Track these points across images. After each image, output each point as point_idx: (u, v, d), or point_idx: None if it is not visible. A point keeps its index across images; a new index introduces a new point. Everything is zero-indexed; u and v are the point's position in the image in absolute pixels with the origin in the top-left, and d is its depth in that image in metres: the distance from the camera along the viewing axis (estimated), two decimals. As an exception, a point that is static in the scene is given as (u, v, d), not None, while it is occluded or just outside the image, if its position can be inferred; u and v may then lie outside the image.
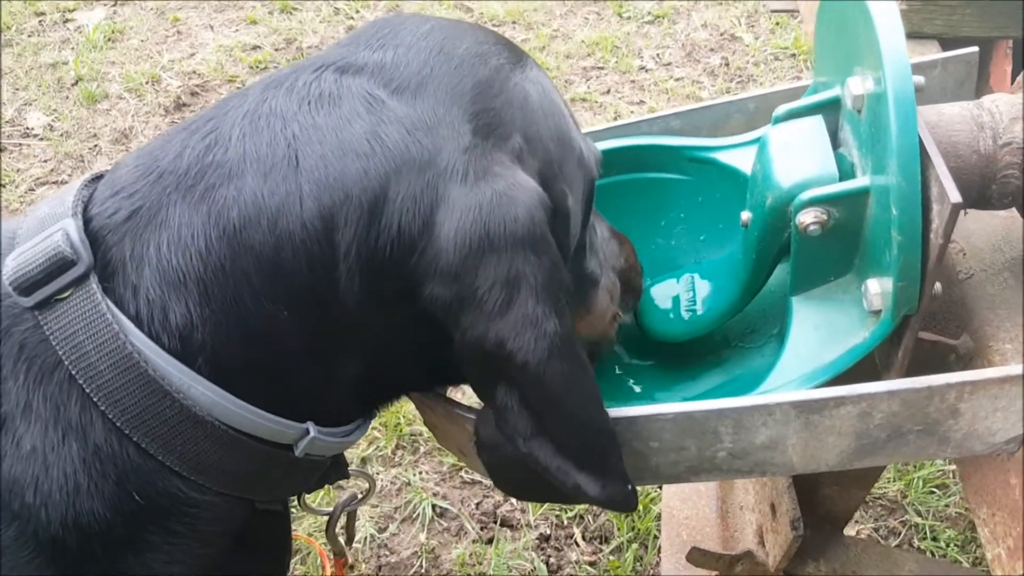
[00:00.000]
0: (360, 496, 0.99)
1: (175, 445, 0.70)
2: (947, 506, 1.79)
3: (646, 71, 3.10)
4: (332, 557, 1.03)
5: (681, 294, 1.00)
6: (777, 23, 3.25)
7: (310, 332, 0.71)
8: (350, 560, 1.04)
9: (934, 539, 1.73)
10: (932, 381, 0.72)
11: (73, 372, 0.68)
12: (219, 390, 0.70)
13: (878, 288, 0.77)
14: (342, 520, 1.00)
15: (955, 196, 0.65)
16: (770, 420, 0.75)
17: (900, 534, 1.76)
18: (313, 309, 0.70)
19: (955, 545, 1.72)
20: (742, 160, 0.99)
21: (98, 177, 0.77)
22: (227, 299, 0.69)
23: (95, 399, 0.68)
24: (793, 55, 3.10)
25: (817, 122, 0.83)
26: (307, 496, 0.91)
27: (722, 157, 1.01)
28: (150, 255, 0.70)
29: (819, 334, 0.83)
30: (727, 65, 3.09)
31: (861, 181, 0.76)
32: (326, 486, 0.94)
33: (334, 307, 0.70)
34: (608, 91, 3.00)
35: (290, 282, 0.69)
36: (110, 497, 0.70)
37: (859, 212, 0.77)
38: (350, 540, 1.03)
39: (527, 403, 0.70)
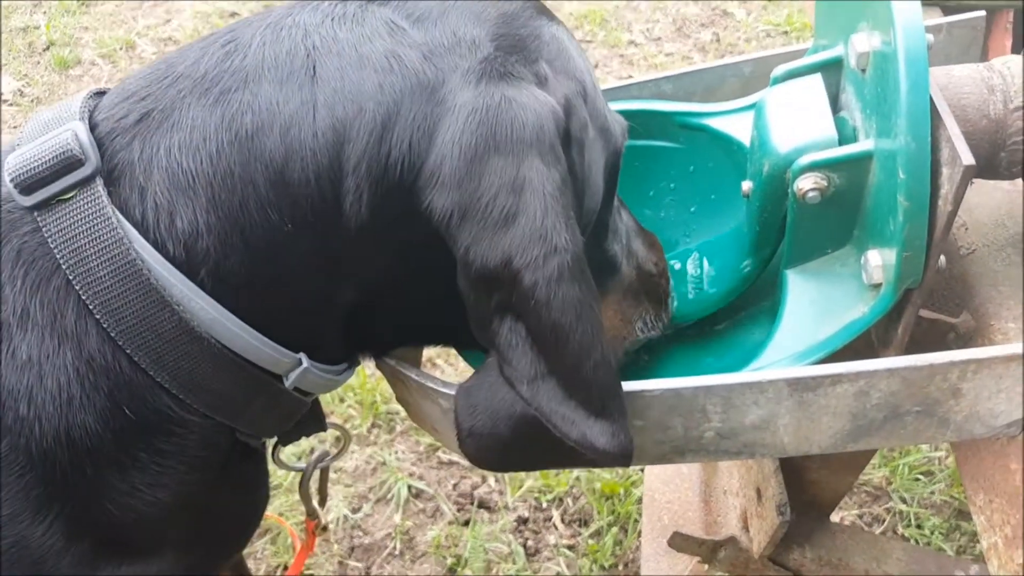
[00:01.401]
0: (333, 453, 0.95)
1: (167, 361, 0.68)
2: (932, 493, 1.76)
3: (635, 45, 3.04)
4: (303, 534, 0.98)
5: (687, 272, 0.95)
6: None
7: (313, 252, 0.69)
8: (323, 522, 0.99)
9: (918, 527, 1.71)
10: (934, 359, 0.68)
11: (71, 277, 0.66)
12: (219, 306, 0.68)
13: (879, 260, 0.73)
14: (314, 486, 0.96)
15: (968, 158, 0.60)
16: (762, 398, 0.70)
17: (884, 521, 1.73)
18: (317, 226, 0.68)
19: (940, 533, 1.70)
20: (736, 127, 0.94)
21: (102, 92, 0.74)
22: (234, 207, 0.67)
23: (91, 306, 0.66)
24: (785, 32, 3.05)
25: (815, 82, 0.78)
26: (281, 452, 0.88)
27: (715, 124, 0.96)
28: (159, 157, 0.68)
29: (815, 309, 0.79)
30: (718, 41, 3.03)
31: (864, 145, 0.72)
32: (298, 447, 0.90)
33: (338, 227, 0.68)
34: (596, 65, 2.94)
35: (297, 193, 0.67)
36: (101, 411, 0.68)
37: (861, 178, 0.73)
38: (323, 500, 1.00)
39: (534, 337, 0.65)
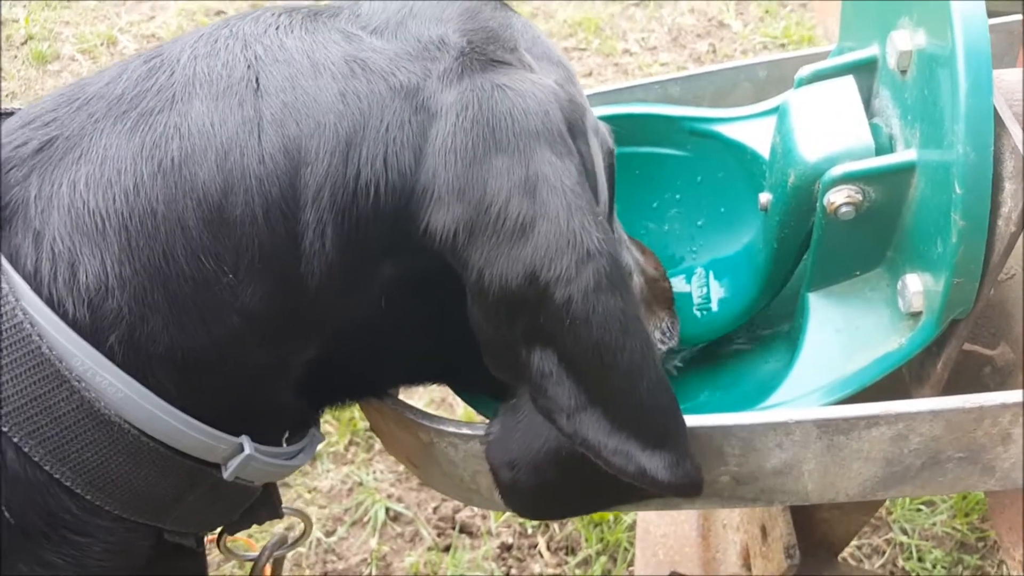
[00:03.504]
0: (292, 540, 0.81)
1: (69, 452, 0.55)
2: (934, 525, 1.69)
3: (630, 54, 2.98)
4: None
5: (693, 291, 0.87)
6: (767, 11, 3.14)
7: (262, 307, 0.57)
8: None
9: (919, 560, 1.63)
10: (984, 400, 0.60)
11: None
12: (133, 383, 0.55)
13: (919, 286, 0.64)
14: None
15: (1039, 171, 0.52)
16: (787, 441, 0.62)
17: (884, 553, 1.66)
18: (268, 273, 0.56)
19: (942, 567, 1.62)
20: (750, 134, 0.86)
21: (8, 114, 0.62)
22: (156, 255, 0.55)
23: None
24: (783, 45, 2.99)
25: (848, 83, 0.70)
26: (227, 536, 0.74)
27: (726, 130, 0.88)
28: (61, 194, 0.55)
29: (840, 339, 0.71)
30: (714, 52, 2.97)
31: (906, 155, 0.64)
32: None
33: (296, 272, 0.57)
34: (590, 73, 2.87)
35: (240, 234, 0.55)
36: None
37: (900, 193, 0.65)
38: None
39: (570, 363, 0.55)
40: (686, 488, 0.58)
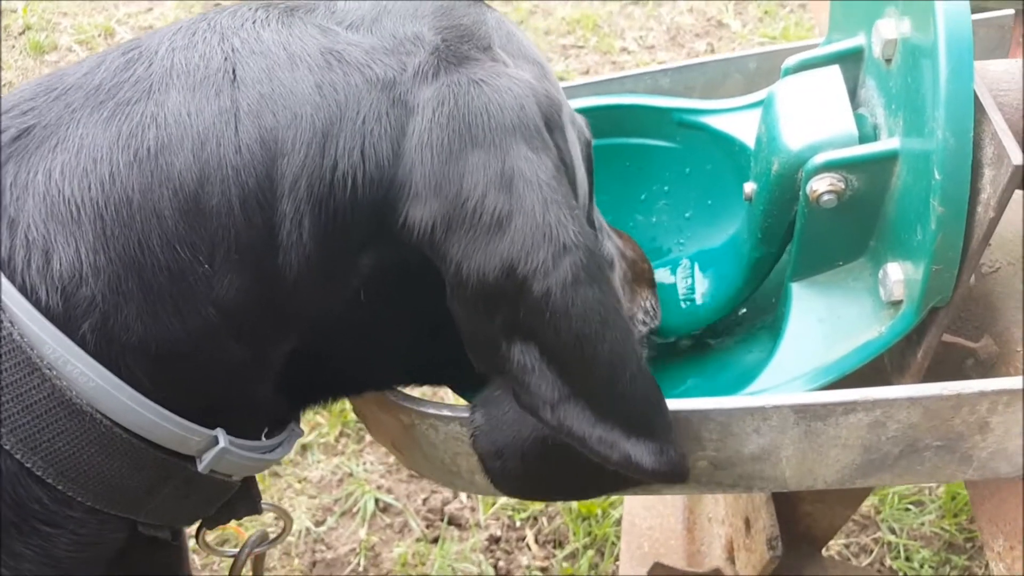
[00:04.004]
0: (273, 536, 0.81)
1: (40, 441, 0.55)
2: (922, 524, 1.69)
3: (628, 53, 2.97)
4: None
5: (678, 283, 0.87)
6: (766, 11, 3.14)
7: (238, 297, 0.57)
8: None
9: (907, 559, 1.64)
10: (962, 388, 0.60)
11: None
12: (105, 372, 0.55)
13: (900, 274, 0.65)
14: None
15: (1017, 157, 0.53)
16: (764, 426, 0.62)
17: (872, 552, 1.66)
18: (244, 264, 0.56)
19: (929, 566, 1.63)
20: (739, 126, 0.86)
21: None
22: (131, 244, 0.55)
23: None
24: (781, 45, 2.99)
25: (833, 73, 0.70)
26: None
27: (715, 122, 0.88)
28: (37, 182, 0.55)
29: (823, 327, 0.71)
30: (712, 51, 2.97)
31: (889, 143, 0.64)
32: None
33: (273, 263, 0.57)
34: (587, 71, 2.87)
35: (216, 224, 0.55)
36: None
37: (883, 181, 0.65)
38: None
39: (552, 356, 0.56)
40: (670, 475, 0.59)
